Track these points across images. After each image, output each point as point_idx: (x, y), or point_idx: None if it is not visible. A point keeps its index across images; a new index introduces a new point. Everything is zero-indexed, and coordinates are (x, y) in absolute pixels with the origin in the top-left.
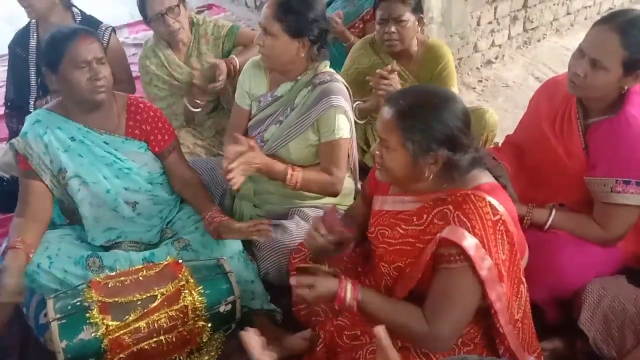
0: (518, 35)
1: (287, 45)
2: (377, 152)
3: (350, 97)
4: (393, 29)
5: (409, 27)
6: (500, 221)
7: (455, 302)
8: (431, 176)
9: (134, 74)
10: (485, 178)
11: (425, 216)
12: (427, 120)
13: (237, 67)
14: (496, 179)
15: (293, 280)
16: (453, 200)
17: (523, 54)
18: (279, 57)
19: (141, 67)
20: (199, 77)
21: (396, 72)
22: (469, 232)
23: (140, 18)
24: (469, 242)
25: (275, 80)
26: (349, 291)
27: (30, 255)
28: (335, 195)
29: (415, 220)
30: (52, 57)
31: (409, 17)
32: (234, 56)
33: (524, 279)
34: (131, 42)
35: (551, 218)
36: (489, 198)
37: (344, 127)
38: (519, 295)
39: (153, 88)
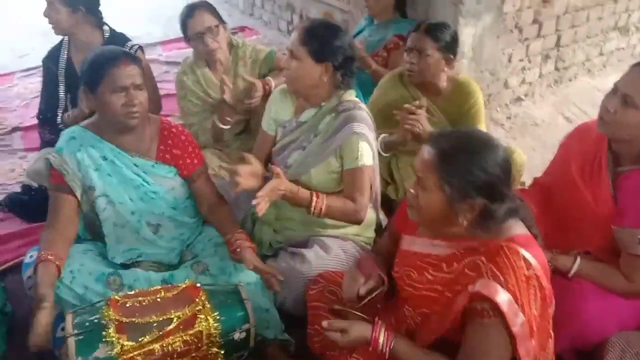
0: (549, 74)
1: (311, 69)
2: (412, 191)
3: (374, 126)
4: (415, 59)
5: (430, 62)
6: (534, 276)
7: (488, 358)
8: (464, 223)
9: (164, 92)
10: (519, 229)
11: (455, 264)
12: (469, 166)
13: (272, 88)
14: (528, 229)
15: (325, 324)
16: (486, 251)
17: (553, 92)
18: (302, 81)
19: (178, 82)
20: (229, 93)
21: (424, 108)
22: (502, 286)
23: (174, 37)
24: (502, 298)
25: (300, 107)
26: (381, 337)
27: (61, 268)
28: (358, 222)
29: (444, 267)
30: (91, 78)
31: (433, 52)
32: (269, 78)
33: (552, 333)
34: (164, 59)
35: (575, 266)
36: (523, 251)
37: (367, 154)
38: (547, 350)
39: (187, 102)
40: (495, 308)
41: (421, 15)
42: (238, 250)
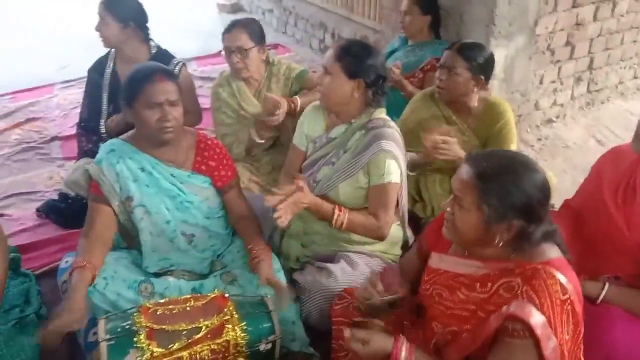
0: (581, 96)
1: (344, 85)
2: (449, 209)
3: (403, 144)
4: (444, 76)
5: (458, 81)
6: (569, 301)
7: None
8: (500, 244)
9: (201, 105)
10: (554, 252)
11: (489, 285)
12: (508, 186)
13: (298, 106)
14: (563, 254)
15: (347, 333)
16: (521, 273)
17: (585, 115)
18: (334, 96)
19: (213, 94)
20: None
21: (456, 139)
22: (537, 309)
23: (208, 53)
24: (537, 320)
25: (331, 123)
26: (403, 351)
27: (95, 275)
28: (381, 239)
29: (478, 287)
30: (129, 94)
31: (462, 72)
32: (296, 97)
33: (582, 359)
34: (199, 74)
35: (604, 292)
36: (559, 275)
37: (394, 172)
38: None
39: (221, 114)
40: (528, 329)
41: (453, 36)
42: (256, 261)
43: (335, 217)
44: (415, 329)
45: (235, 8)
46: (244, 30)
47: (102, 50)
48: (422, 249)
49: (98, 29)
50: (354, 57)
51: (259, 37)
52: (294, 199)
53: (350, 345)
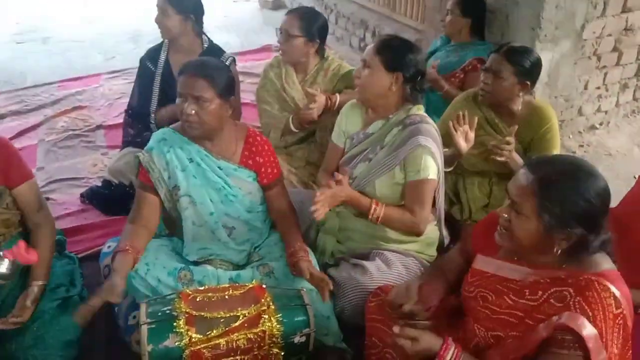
0: (627, 104)
1: (382, 78)
2: (505, 215)
3: (440, 141)
4: (489, 80)
5: (504, 85)
6: (621, 315)
7: None
8: (558, 252)
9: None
10: (606, 263)
11: (540, 293)
12: (570, 193)
13: (336, 104)
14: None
15: (396, 329)
16: (574, 283)
17: (630, 122)
18: (372, 89)
19: (263, 71)
20: (319, 103)
21: (512, 145)
22: (590, 321)
23: (249, 48)
24: (589, 332)
25: (369, 119)
26: (450, 352)
27: (137, 260)
28: (418, 234)
29: (527, 294)
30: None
31: (508, 76)
32: (336, 94)
33: None
34: (240, 69)
35: None
36: (613, 289)
37: (431, 168)
38: None
39: (264, 92)
40: (579, 341)
41: (497, 38)
42: (295, 260)
43: (372, 210)
44: (454, 328)
45: (277, 4)
46: (299, 19)
47: (148, 43)
48: (466, 250)
49: (159, 20)
50: (394, 51)
51: (311, 31)
52: (331, 192)
53: (398, 341)
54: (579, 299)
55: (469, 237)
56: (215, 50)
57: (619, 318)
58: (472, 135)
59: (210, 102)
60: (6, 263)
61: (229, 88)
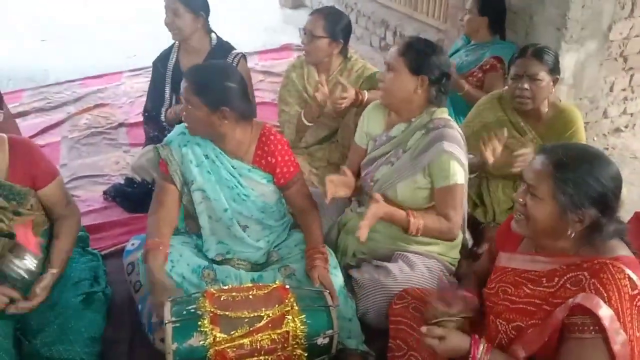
0: None
1: (407, 81)
2: (520, 199)
3: (465, 145)
4: (526, 85)
5: (543, 86)
6: (639, 296)
7: None
8: (572, 235)
9: (258, 100)
10: (623, 250)
11: (556, 279)
12: (585, 175)
13: (364, 100)
14: (635, 256)
15: (424, 329)
16: (589, 267)
17: None
18: (397, 93)
19: (286, 71)
20: (321, 94)
21: (530, 146)
22: (605, 302)
23: (270, 47)
24: (605, 312)
25: (391, 122)
26: (481, 352)
27: (167, 255)
28: (452, 240)
29: (544, 281)
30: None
31: (544, 76)
32: (365, 91)
33: None
34: (260, 69)
35: None
36: (628, 271)
37: (459, 173)
38: None
39: (286, 92)
40: (597, 323)
41: (521, 38)
42: (311, 265)
43: (411, 224)
44: (476, 330)
45: (297, 4)
46: (323, 19)
47: (169, 41)
48: (492, 251)
49: (170, 21)
50: (419, 53)
51: (335, 32)
52: (371, 213)
53: (426, 341)
54: (593, 280)
55: (494, 240)
56: (224, 48)
57: (636, 300)
58: (499, 149)
59: (199, 110)
60: (31, 257)
61: (222, 100)
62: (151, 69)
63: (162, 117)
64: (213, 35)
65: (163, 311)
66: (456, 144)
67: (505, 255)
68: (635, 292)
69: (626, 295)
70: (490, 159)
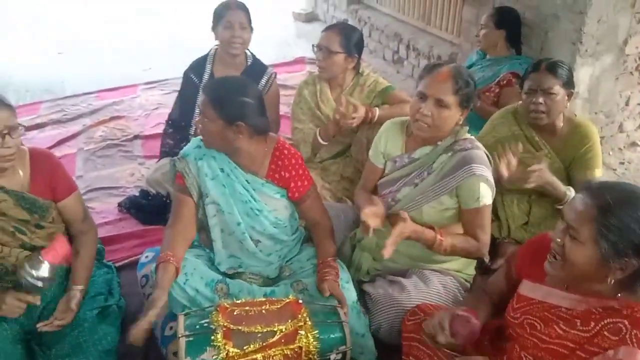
0: None
1: (456, 116)
2: (559, 240)
3: (491, 163)
4: (541, 100)
5: (557, 100)
6: None
7: None
8: (612, 282)
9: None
10: None
11: (592, 324)
12: (630, 223)
13: (375, 117)
14: None
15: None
16: (630, 315)
17: None
18: (444, 127)
19: (298, 88)
20: (339, 113)
21: (544, 163)
22: None
23: (283, 60)
24: None
25: (412, 143)
26: None
27: (179, 269)
28: (480, 258)
29: (579, 324)
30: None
31: (558, 90)
32: (376, 108)
33: None
34: None
35: None
36: None
37: (487, 194)
38: None
39: (298, 109)
40: None
41: (536, 52)
42: (323, 278)
43: (437, 243)
44: (497, 353)
45: (310, 17)
46: (338, 35)
47: (184, 53)
48: (511, 273)
49: (239, 35)
50: (467, 85)
51: (350, 47)
52: (398, 232)
53: None
54: (635, 332)
55: (514, 260)
56: (258, 65)
57: None
58: (514, 163)
59: (214, 123)
60: (46, 266)
61: (237, 114)
62: (167, 81)
63: (192, 131)
64: (249, 53)
65: (140, 328)
66: (484, 165)
67: (530, 284)
68: None
69: None
70: (505, 173)
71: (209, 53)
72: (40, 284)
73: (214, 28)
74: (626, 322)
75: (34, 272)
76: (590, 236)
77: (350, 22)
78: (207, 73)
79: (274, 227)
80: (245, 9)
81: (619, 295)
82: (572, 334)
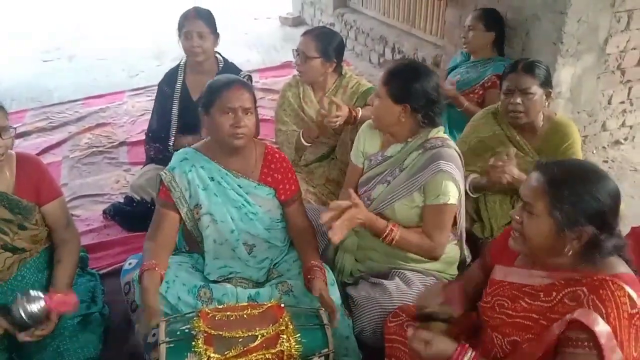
0: None
1: (390, 109)
2: (517, 217)
3: (462, 164)
4: (519, 100)
5: (535, 99)
6: (638, 315)
7: None
8: (570, 252)
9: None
10: (623, 267)
11: (554, 294)
12: (580, 192)
13: (358, 117)
14: (632, 271)
15: (410, 331)
16: (588, 283)
17: None
18: (383, 119)
19: (282, 90)
20: (322, 114)
21: (514, 158)
22: (603, 318)
23: (270, 65)
24: (602, 329)
25: (387, 141)
26: (467, 357)
27: (163, 277)
28: (434, 259)
29: (542, 296)
30: (208, 99)
31: (536, 90)
32: (359, 108)
33: None
34: (260, 86)
35: None
36: (628, 289)
37: (452, 193)
38: None
39: (282, 112)
40: (592, 339)
41: (518, 53)
42: (310, 278)
43: (385, 233)
44: (473, 343)
45: (297, 22)
46: (313, 40)
47: (171, 60)
48: (486, 263)
49: (198, 44)
50: (400, 82)
51: (327, 51)
52: (349, 215)
53: (412, 344)
54: (592, 297)
55: (489, 249)
56: (231, 69)
57: (635, 318)
58: (512, 167)
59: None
60: (41, 305)
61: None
62: (154, 87)
63: (171, 143)
64: (218, 56)
65: (146, 334)
66: (453, 163)
67: (501, 268)
68: (634, 310)
69: (625, 314)
70: (505, 179)
71: (180, 63)
72: (27, 319)
73: (178, 36)
74: (585, 289)
75: (26, 305)
76: (544, 209)
77: (336, 26)
78: (180, 82)
79: (268, 230)
80: (204, 17)
81: (580, 267)
82: (536, 305)
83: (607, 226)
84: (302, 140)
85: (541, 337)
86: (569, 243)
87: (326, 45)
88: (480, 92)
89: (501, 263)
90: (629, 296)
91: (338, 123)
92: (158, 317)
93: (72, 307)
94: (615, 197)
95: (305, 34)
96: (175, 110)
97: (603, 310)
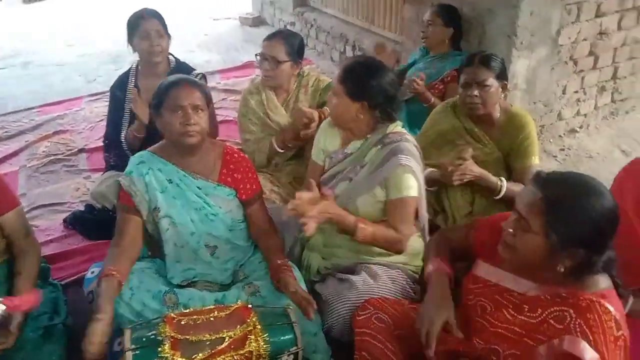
0: (605, 106)
1: (347, 106)
2: (510, 230)
3: (421, 158)
4: (476, 92)
5: (491, 92)
6: (622, 337)
7: None
8: (562, 270)
9: (221, 118)
10: (605, 282)
11: (539, 310)
12: (579, 215)
13: (326, 115)
14: (614, 283)
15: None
16: (575, 304)
17: (609, 125)
18: (341, 116)
19: (242, 99)
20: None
21: (470, 158)
22: (590, 345)
23: (232, 65)
24: (592, 357)
25: (347, 138)
26: None
27: (122, 283)
28: (400, 252)
29: (527, 310)
30: (157, 100)
31: (492, 82)
32: (326, 108)
33: None
34: (222, 87)
35: (628, 305)
36: (614, 311)
37: (412, 186)
38: None
39: (247, 121)
40: None
41: (474, 47)
42: (278, 277)
43: (359, 230)
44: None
45: (257, 21)
46: (283, 43)
47: (129, 64)
48: (469, 242)
49: (157, 43)
50: (356, 80)
51: (295, 54)
52: (321, 208)
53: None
54: (579, 321)
55: (473, 229)
56: (182, 69)
57: (620, 340)
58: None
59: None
60: (1, 307)
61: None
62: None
63: (123, 143)
64: (171, 58)
65: (88, 343)
66: (412, 157)
67: (487, 267)
68: (619, 333)
69: (611, 337)
70: (467, 179)
71: (130, 68)
72: None
73: (129, 39)
74: (571, 311)
75: None
76: (540, 227)
77: (297, 25)
78: (131, 86)
79: (230, 231)
80: (159, 17)
81: (567, 282)
82: (520, 320)
83: (600, 248)
84: (275, 146)
85: (524, 354)
86: (561, 262)
87: (293, 48)
88: (441, 87)
89: (487, 260)
90: (615, 319)
91: (313, 129)
92: (108, 326)
93: (34, 302)
94: (612, 217)
95: (271, 38)
96: (127, 114)
97: (590, 337)
